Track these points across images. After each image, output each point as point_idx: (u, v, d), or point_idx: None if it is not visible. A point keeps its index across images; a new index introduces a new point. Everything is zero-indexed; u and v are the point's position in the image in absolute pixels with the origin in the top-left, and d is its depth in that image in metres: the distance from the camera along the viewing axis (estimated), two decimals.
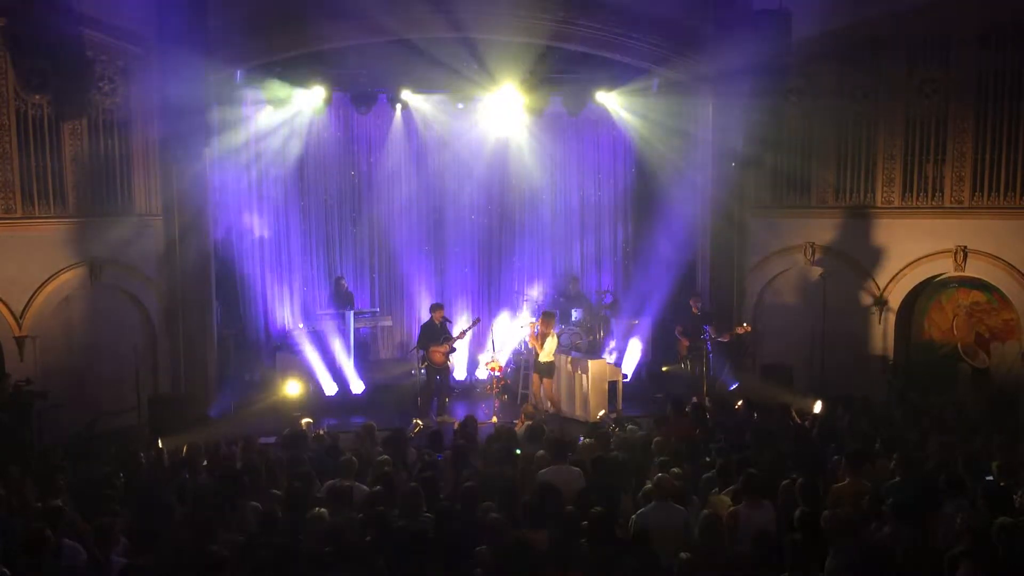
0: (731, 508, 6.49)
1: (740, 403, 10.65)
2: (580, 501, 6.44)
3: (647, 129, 14.05)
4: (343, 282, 14.21)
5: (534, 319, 12.36)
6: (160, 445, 9.57)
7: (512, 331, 14.33)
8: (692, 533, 6.16)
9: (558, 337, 12.32)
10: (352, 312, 13.50)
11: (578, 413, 12.08)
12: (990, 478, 6.98)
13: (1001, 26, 11.40)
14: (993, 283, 11.81)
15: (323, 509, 6.34)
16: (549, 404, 12.14)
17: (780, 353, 12.85)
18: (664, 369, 13.71)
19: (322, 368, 12.88)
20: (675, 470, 7.18)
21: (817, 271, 12.75)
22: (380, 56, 12.52)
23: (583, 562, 5.63)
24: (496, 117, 14.42)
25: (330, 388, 12.82)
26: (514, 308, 15.07)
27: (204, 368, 12.28)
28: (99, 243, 11.26)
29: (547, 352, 11.83)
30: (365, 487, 7.13)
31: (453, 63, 12.49)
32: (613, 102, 14.02)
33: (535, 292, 15.45)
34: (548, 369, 11.91)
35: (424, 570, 5.56)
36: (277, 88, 13.03)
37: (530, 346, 12.17)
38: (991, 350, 12.07)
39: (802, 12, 11.49)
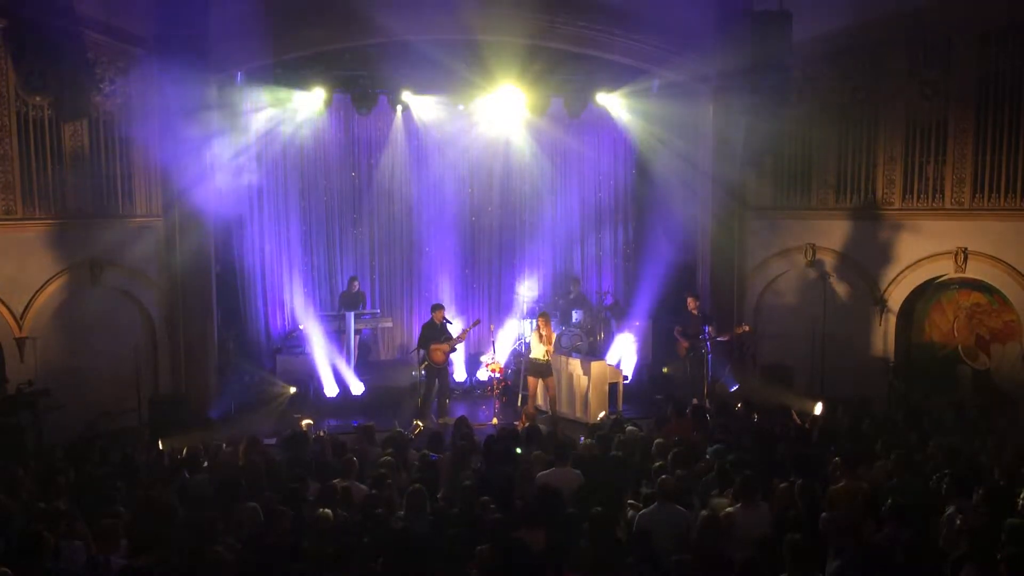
0: (727, 510, 6.49)
1: (740, 404, 10.65)
2: (580, 502, 6.44)
3: (647, 130, 14.05)
4: (355, 283, 14.12)
5: (539, 320, 11.96)
6: (160, 446, 9.59)
7: (513, 332, 14.32)
8: (692, 534, 6.16)
9: (559, 338, 12.27)
10: (353, 313, 13.48)
11: (578, 414, 12.07)
12: (991, 479, 6.96)
13: (1001, 27, 11.39)
14: (994, 284, 11.80)
15: (327, 510, 6.34)
16: (546, 405, 12.05)
17: (780, 354, 12.87)
18: (664, 371, 13.69)
19: (322, 369, 12.87)
20: (678, 472, 7.18)
21: (817, 272, 12.74)
22: (381, 57, 12.52)
23: (583, 563, 5.62)
24: (497, 119, 14.43)
25: (331, 389, 12.81)
26: (515, 309, 15.05)
27: (205, 369, 12.27)
28: (99, 244, 11.25)
29: (543, 351, 11.70)
30: (364, 487, 7.13)
31: (454, 64, 12.48)
32: (614, 103, 14.02)
33: (534, 293, 15.42)
34: (547, 369, 11.85)
35: (423, 570, 5.56)
36: (277, 89, 13.04)
37: (537, 345, 11.81)
38: (991, 351, 12.05)
39: (802, 13, 11.47)
